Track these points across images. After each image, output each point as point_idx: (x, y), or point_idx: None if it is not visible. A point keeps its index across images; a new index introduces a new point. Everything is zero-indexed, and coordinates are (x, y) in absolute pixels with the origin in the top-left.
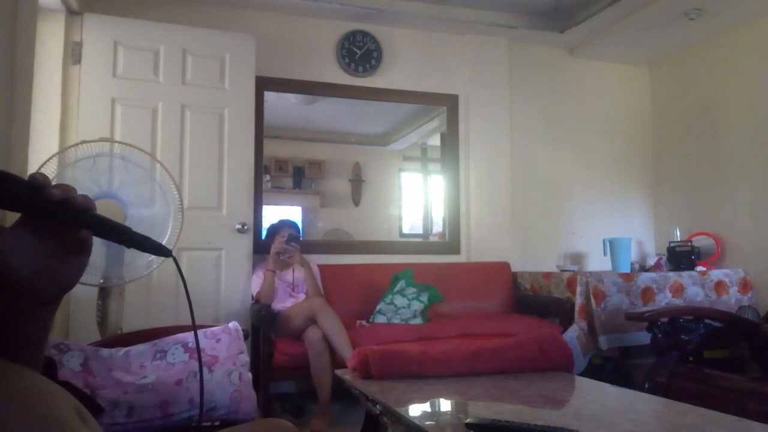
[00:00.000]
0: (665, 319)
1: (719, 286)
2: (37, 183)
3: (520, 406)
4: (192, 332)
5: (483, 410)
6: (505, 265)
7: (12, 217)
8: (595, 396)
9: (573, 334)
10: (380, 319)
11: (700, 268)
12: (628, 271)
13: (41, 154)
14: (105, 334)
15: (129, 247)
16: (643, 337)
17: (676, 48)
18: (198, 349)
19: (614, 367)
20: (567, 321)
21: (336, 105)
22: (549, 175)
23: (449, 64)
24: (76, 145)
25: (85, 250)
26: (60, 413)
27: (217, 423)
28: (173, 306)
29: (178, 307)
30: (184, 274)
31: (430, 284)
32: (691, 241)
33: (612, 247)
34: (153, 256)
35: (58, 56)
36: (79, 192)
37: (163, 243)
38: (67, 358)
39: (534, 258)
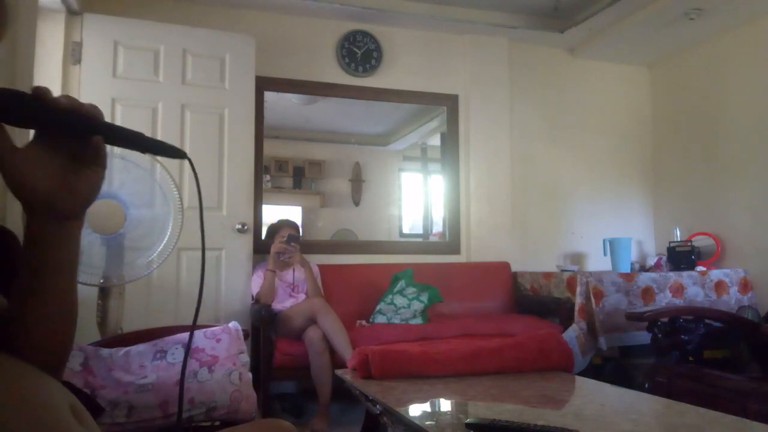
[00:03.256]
0: (665, 319)
1: (719, 286)
2: (42, 93)
3: (520, 406)
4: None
5: (483, 410)
6: (505, 265)
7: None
8: (595, 396)
9: (573, 334)
10: (380, 319)
11: (700, 268)
12: (628, 271)
13: None
14: (105, 334)
15: (143, 152)
16: (643, 337)
17: (676, 48)
18: (190, 340)
19: (614, 367)
20: (567, 321)
21: (336, 105)
22: (549, 175)
23: (449, 64)
24: None
25: (99, 159)
26: (56, 415)
27: (217, 423)
28: (173, 306)
29: (178, 307)
30: (184, 275)
31: (430, 284)
32: (691, 241)
33: (612, 247)
34: (153, 256)
35: (58, 56)
36: None
37: (163, 243)
38: None
39: (534, 258)
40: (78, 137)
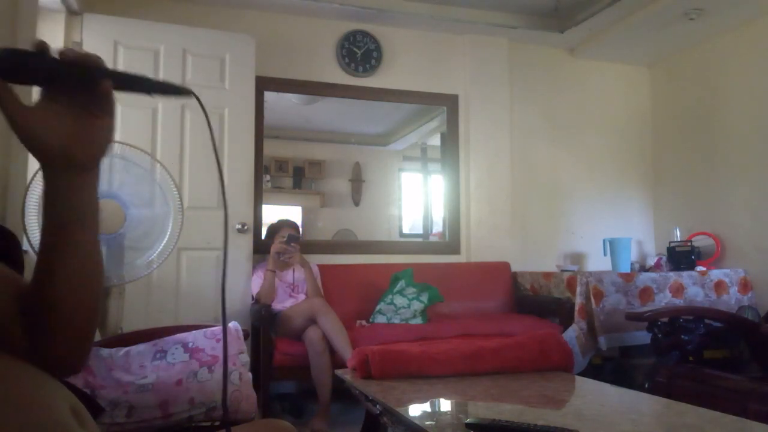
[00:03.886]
0: (665, 319)
1: (719, 286)
2: (45, 48)
3: (520, 406)
4: (191, 332)
5: (483, 410)
6: (505, 265)
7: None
8: (595, 396)
9: (573, 334)
10: (380, 319)
11: (700, 268)
12: (628, 271)
13: None
14: (105, 334)
15: (150, 93)
16: (643, 337)
17: (676, 48)
18: (225, 340)
19: (614, 367)
20: (567, 321)
21: (336, 105)
22: (549, 175)
23: (449, 64)
24: None
25: (108, 106)
26: (56, 417)
27: (217, 423)
28: (173, 306)
29: (178, 307)
30: (184, 275)
31: (430, 284)
32: (691, 241)
33: (612, 247)
34: (153, 256)
35: None
36: None
37: (163, 243)
38: None
39: (534, 258)
40: (85, 87)
